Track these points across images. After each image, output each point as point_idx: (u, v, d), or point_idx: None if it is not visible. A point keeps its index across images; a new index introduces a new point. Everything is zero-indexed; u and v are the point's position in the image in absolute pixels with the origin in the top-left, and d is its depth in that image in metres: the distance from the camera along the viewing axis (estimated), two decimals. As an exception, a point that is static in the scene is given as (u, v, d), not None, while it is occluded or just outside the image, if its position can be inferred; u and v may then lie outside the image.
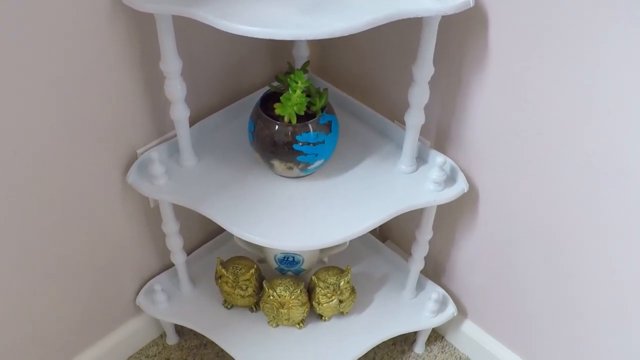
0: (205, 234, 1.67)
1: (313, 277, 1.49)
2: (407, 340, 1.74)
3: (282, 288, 1.46)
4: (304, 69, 1.27)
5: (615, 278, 1.25)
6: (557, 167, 1.22)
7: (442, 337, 1.76)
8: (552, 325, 1.44)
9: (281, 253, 1.50)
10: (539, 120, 1.19)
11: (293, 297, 1.46)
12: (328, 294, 1.48)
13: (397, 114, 1.44)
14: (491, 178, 1.36)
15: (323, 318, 1.56)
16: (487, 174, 1.36)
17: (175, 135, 1.34)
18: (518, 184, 1.31)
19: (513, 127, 1.25)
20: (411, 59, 1.20)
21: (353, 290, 1.52)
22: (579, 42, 1.06)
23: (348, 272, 1.48)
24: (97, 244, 1.43)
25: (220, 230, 1.68)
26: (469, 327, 1.67)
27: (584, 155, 1.16)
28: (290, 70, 1.27)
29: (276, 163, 1.28)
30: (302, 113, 1.23)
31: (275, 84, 1.31)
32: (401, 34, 1.35)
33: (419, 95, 1.23)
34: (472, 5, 1.09)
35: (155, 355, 1.70)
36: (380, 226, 1.74)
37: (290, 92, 1.21)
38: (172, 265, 1.58)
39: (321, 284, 1.47)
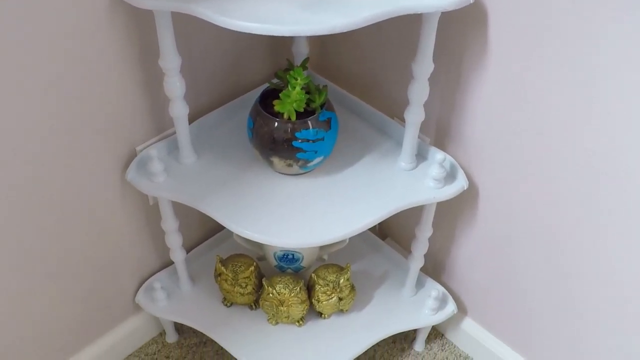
0: (204, 231, 1.67)
1: (313, 275, 1.49)
2: (407, 338, 1.73)
3: (281, 286, 1.46)
4: (303, 65, 1.26)
5: (615, 276, 1.25)
6: (557, 165, 1.22)
7: (442, 334, 1.75)
8: (552, 323, 1.44)
9: (281, 250, 1.50)
10: (539, 118, 1.19)
11: (293, 294, 1.46)
12: (328, 292, 1.47)
13: (396, 111, 1.44)
14: (491, 175, 1.36)
15: (323, 316, 1.55)
16: (487, 171, 1.36)
17: (174, 133, 1.34)
18: (518, 181, 1.31)
19: (513, 124, 1.24)
20: (411, 56, 1.20)
21: (353, 288, 1.52)
22: (579, 40, 1.06)
23: (348, 270, 1.47)
24: (96, 241, 1.43)
25: (220, 227, 1.68)
26: (468, 324, 1.67)
27: (584, 153, 1.16)
28: (290, 67, 1.27)
29: (275, 160, 1.28)
30: (302, 110, 1.23)
31: (275, 80, 1.31)
32: (401, 30, 1.35)
33: (419, 92, 1.23)
34: (471, 2, 1.08)
35: (155, 354, 1.70)
36: (380, 224, 1.75)
37: (290, 88, 1.21)
38: (172, 263, 1.58)
39: (321, 282, 1.47)
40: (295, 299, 1.47)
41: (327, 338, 1.53)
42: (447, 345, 1.73)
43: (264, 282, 1.47)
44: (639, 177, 1.10)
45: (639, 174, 1.10)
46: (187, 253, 1.54)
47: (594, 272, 1.28)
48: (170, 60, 1.18)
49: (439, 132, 1.40)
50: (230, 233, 1.65)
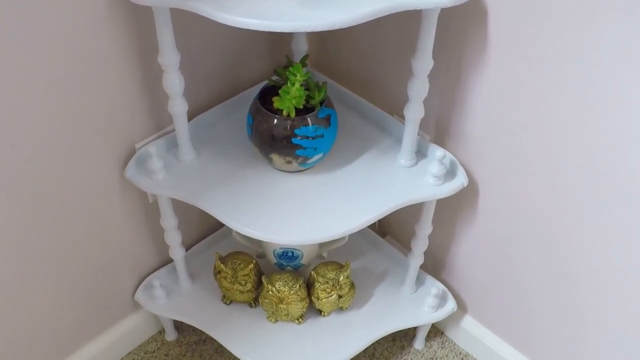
0: (204, 229, 1.67)
1: (312, 272, 1.49)
2: (406, 335, 1.73)
3: (281, 283, 1.46)
4: (302, 62, 1.26)
5: (615, 274, 1.24)
6: (557, 163, 1.22)
7: (442, 332, 1.75)
8: (552, 321, 1.44)
9: (280, 248, 1.49)
10: (539, 116, 1.19)
11: (292, 292, 1.46)
12: (327, 289, 1.47)
13: (396, 108, 1.43)
14: (491, 172, 1.36)
15: (322, 313, 1.55)
16: (487, 168, 1.36)
17: (173, 130, 1.34)
18: (518, 178, 1.30)
19: (513, 121, 1.24)
20: (410, 53, 1.20)
21: (352, 286, 1.52)
22: (579, 37, 1.06)
23: (347, 267, 1.47)
24: (95, 239, 1.43)
25: (219, 225, 1.68)
26: (468, 322, 1.66)
27: (584, 150, 1.16)
28: (289, 64, 1.26)
29: (275, 157, 1.28)
30: (301, 106, 1.23)
31: (275, 77, 1.31)
32: (400, 27, 1.34)
33: (419, 88, 1.22)
34: (471, -2, 1.08)
35: (154, 351, 1.70)
36: (380, 221, 1.75)
37: (289, 85, 1.21)
38: (171, 260, 1.58)
39: (320, 279, 1.47)
40: (295, 296, 1.46)
41: (327, 336, 1.52)
42: (447, 343, 1.73)
43: (263, 280, 1.47)
44: (638, 174, 1.10)
45: (639, 170, 1.10)
46: (186, 251, 1.54)
47: (594, 270, 1.28)
48: (169, 57, 1.17)
49: (439, 129, 1.40)
50: (230, 230, 1.65)
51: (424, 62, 1.18)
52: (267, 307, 1.51)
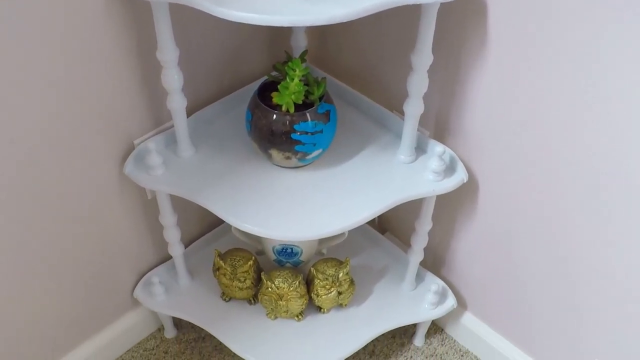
0: (203, 226, 1.67)
1: (312, 269, 1.48)
2: (406, 332, 1.73)
3: (280, 280, 1.46)
4: (302, 57, 1.25)
5: (614, 270, 1.24)
6: (557, 159, 1.21)
7: (442, 329, 1.75)
8: (552, 317, 1.43)
9: (279, 244, 1.49)
10: (539, 112, 1.19)
11: (292, 288, 1.45)
12: (327, 286, 1.47)
13: (395, 104, 1.43)
14: (491, 168, 1.35)
15: (322, 310, 1.55)
16: (487, 164, 1.35)
17: (172, 126, 1.33)
18: (518, 174, 1.30)
19: (513, 117, 1.24)
20: (410, 49, 1.19)
21: (352, 282, 1.51)
22: (579, 33, 1.05)
23: (347, 264, 1.47)
24: (93, 236, 1.42)
25: (218, 222, 1.67)
26: (468, 319, 1.66)
27: (584, 147, 1.15)
28: (288, 60, 1.26)
29: (274, 153, 1.27)
30: (300, 102, 1.22)
31: (274, 73, 1.30)
32: (400, 23, 1.34)
33: (418, 84, 1.22)
34: (471, -8, 1.08)
35: (153, 349, 1.69)
36: (379, 218, 1.74)
37: (288, 80, 1.21)
38: (170, 257, 1.58)
39: (320, 276, 1.46)
40: (294, 293, 1.46)
41: (326, 333, 1.52)
42: (447, 340, 1.73)
43: (262, 277, 1.47)
44: (638, 172, 1.10)
45: (638, 169, 1.10)
46: (185, 247, 1.54)
47: (593, 266, 1.28)
48: (167, 53, 1.17)
49: (439, 125, 1.40)
50: (229, 227, 1.64)
51: (423, 58, 1.18)
52: (267, 304, 1.50)
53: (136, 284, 1.59)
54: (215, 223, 1.68)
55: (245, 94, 1.43)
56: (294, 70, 1.20)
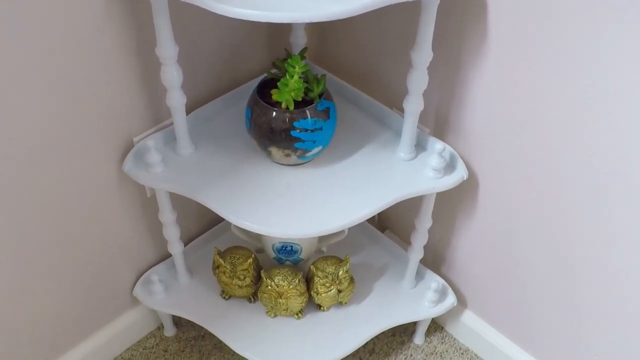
0: (202, 224, 1.66)
1: (311, 267, 1.48)
2: (406, 331, 1.73)
3: (280, 278, 1.45)
4: (301, 54, 1.25)
5: (614, 268, 1.24)
6: (557, 157, 1.21)
7: (442, 327, 1.75)
8: (552, 315, 1.43)
9: (279, 242, 1.49)
10: (539, 109, 1.18)
11: (291, 286, 1.45)
12: (327, 284, 1.46)
13: (395, 101, 1.43)
14: (491, 166, 1.35)
15: (322, 308, 1.55)
16: (486, 161, 1.35)
17: (171, 124, 1.33)
18: (518, 172, 1.30)
19: (513, 114, 1.24)
20: (409, 46, 1.19)
21: (352, 280, 1.51)
22: (579, 31, 1.05)
23: (347, 262, 1.47)
24: (93, 234, 1.42)
25: (218, 220, 1.67)
26: (468, 317, 1.66)
27: (584, 145, 1.15)
28: (288, 57, 1.25)
29: (274, 150, 1.27)
30: (300, 99, 1.22)
31: (273, 70, 1.30)
32: (399, 20, 1.34)
33: (418, 80, 1.22)
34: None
35: (153, 347, 1.69)
36: (379, 216, 1.74)
37: (288, 77, 1.20)
38: (169, 255, 1.57)
39: (320, 274, 1.46)
40: (294, 291, 1.46)
41: (326, 331, 1.52)
42: (447, 338, 1.73)
43: (262, 274, 1.46)
44: (638, 170, 1.10)
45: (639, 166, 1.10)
46: (185, 245, 1.53)
47: (593, 264, 1.27)
48: (167, 49, 1.16)
49: (438, 123, 1.39)
50: (229, 225, 1.64)
51: (423, 54, 1.18)
52: (266, 302, 1.50)
53: (135, 282, 1.59)
54: (214, 221, 1.68)
55: (245, 91, 1.42)
56: (294, 67, 1.19)
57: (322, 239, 1.55)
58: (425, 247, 1.50)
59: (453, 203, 1.49)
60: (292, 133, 1.23)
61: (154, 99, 1.34)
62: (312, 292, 1.50)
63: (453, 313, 1.67)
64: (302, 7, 0.98)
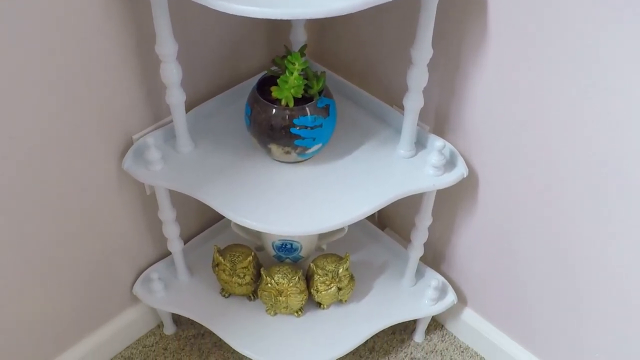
0: (202, 222, 1.66)
1: (311, 265, 1.48)
2: (406, 329, 1.72)
3: (280, 275, 1.45)
4: (301, 51, 1.25)
5: (615, 265, 1.24)
6: (557, 154, 1.21)
7: (442, 325, 1.74)
8: (552, 313, 1.43)
9: (279, 240, 1.48)
10: (539, 105, 1.18)
11: (291, 284, 1.45)
12: (327, 282, 1.46)
13: (395, 99, 1.42)
14: (491, 163, 1.35)
15: (322, 306, 1.54)
16: (487, 159, 1.35)
17: (171, 121, 1.33)
18: (519, 169, 1.30)
19: (513, 111, 1.23)
20: (409, 43, 1.19)
21: (352, 278, 1.51)
22: (579, 28, 1.05)
23: (347, 259, 1.46)
24: (92, 232, 1.42)
25: (218, 218, 1.67)
26: (469, 315, 1.66)
27: (584, 142, 1.15)
28: (288, 54, 1.25)
29: (274, 147, 1.27)
30: (300, 96, 1.22)
31: (273, 68, 1.30)
32: (399, 16, 1.33)
33: (418, 77, 1.21)
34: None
35: (153, 345, 1.69)
36: (379, 213, 1.74)
37: (288, 74, 1.20)
38: (169, 253, 1.57)
39: (320, 271, 1.46)
40: (294, 288, 1.46)
41: (326, 329, 1.52)
42: (447, 336, 1.72)
43: (262, 272, 1.46)
44: (638, 165, 1.10)
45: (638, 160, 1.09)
46: (184, 244, 1.53)
47: (594, 262, 1.27)
48: (166, 47, 1.16)
49: (438, 120, 1.39)
50: (228, 223, 1.64)
51: (423, 51, 1.17)
52: (266, 300, 1.50)
53: (135, 281, 1.59)
54: (214, 219, 1.67)
55: (245, 88, 1.42)
56: (294, 64, 1.19)
57: (322, 236, 1.55)
58: (425, 244, 1.50)
59: (453, 201, 1.49)
60: (292, 130, 1.23)
61: (153, 96, 1.34)
62: (312, 290, 1.50)
63: (453, 311, 1.67)
64: (302, 3, 0.98)
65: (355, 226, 1.67)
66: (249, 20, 1.41)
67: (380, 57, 1.44)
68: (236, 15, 0.97)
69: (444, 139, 1.34)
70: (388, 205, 1.27)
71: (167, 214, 1.42)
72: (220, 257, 1.47)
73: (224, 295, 1.56)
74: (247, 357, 1.52)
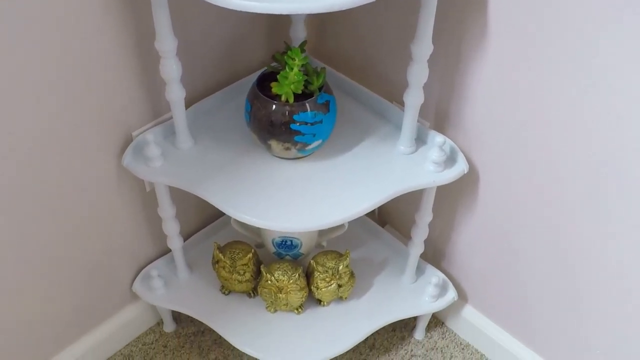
0: (202, 219, 1.66)
1: (311, 262, 1.48)
2: (407, 326, 1.72)
3: (280, 272, 1.45)
4: (301, 48, 1.25)
5: (615, 262, 1.24)
6: (557, 151, 1.21)
7: (442, 323, 1.74)
8: (552, 310, 1.43)
9: (279, 237, 1.48)
10: (539, 102, 1.18)
11: (291, 281, 1.44)
12: (327, 278, 1.46)
13: (395, 95, 1.42)
14: (492, 159, 1.34)
15: (322, 303, 1.54)
16: (487, 155, 1.35)
17: (171, 117, 1.33)
18: (519, 165, 1.29)
19: (513, 108, 1.23)
20: (409, 39, 1.18)
21: (352, 275, 1.50)
22: (580, 24, 1.04)
23: (347, 256, 1.46)
24: (92, 230, 1.41)
25: (218, 215, 1.67)
26: (469, 312, 1.65)
27: (584, 138, 1.15)
28: (288, 50, 1.25)
29: (273, 144, 1.26)
30: (300, 91, 1.21)
31: (273, 64, 1.30)
32: (399, 12, 1.33)
33: (418, 73, 1.21)
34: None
35: (152, 343, 1.68)
36: (379, 210, 1.74)
37: (288, 70, 1.20)
38: (169, 251, 1.57)
39: (320, 268, 1.46)
40: (294, 285, 1.45)
41: (326, 326, 1.51)
42: (448, 333, 1.72)
43: (262, 269, 1.46)
44: (638, 162, 1.09)
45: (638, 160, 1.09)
46: (184, 241, 1.53)
47: (594, 259, 1.27)
48: (166, 42, 1.16)
49: (439, 117, 1.39)
50: (228, 220, 1.64)
51: (423, 47, 1.17)
52: (266, 297, 1.49)
53: (135, 278, 1.58)
54: (214, 216, 1.67)
55: (245, 85, 1.42)
56: (294, 60, 1.19)
57: (322, 233, 1.55)
58: (425, 241, 1.50)
59: (453, 197, 1.48)
60: (292, 126, 1.22)
61: (153, 92, 1.34)
62: (312, 287, 1.50)
63: (453, 308, 1.67)
64: (302, -2, 0.98)
65: (356, 223, 1.66)
66: (248, 16, 1.40)
67: (380, 53, 1.44)
68: (236, 11, 0.97)
69: (444, 135, 1.34)
70: (388, 202, 1.27)
71: (166, 210, 1.41)
72: (220, 254, 1.47)
73: (224, 293, 1.55)
74: (247, 355, 1.52)
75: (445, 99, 1.35)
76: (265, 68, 1.29)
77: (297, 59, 1.18)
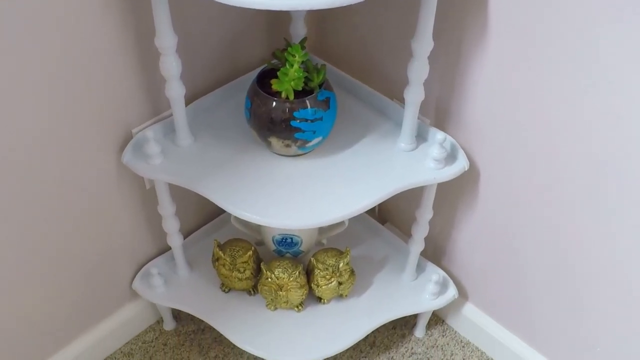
0: (202, 216, 1.65)
1: (312, 259, 1.47)
2: (407, 324, 1.72)
3: (280, 270, 1.45)
4: (301, 44, 1.24)
5: (615, 260, 1.23)
6: (558, 148, 1.20)
7: (443, 320, 1.74)
8: (553, 307, 1.43)
9: (279, 234, 1.48)
10: (540, 99, 1.18)
11: (291, 279, 1.44)
12: (327, 276, 1.46)
13: (395, 92, 1.42)
14: (492, 156, 1.34)
15: (322, 301, 1.54)
16: (488, 152, 1.34)
17: (171, 115, 1.32)
18: (519, 162, 1.29)
19: (513, 104, 1.23)
20: (410, 36, 1.18)
21: (352, 272, 1.50)
22: (580, 21, 1.04)
23: (347, 254, 1.46)
24: (91, 227, 1.41)
25: (218, 212, 1.66)
26: (469, 310, 1.65)
27: (585, 135, 1.15)
28: (288, 46, 1.25)
29: (273, 141, 1.26)
30: (300, 88, 1.21)
31: (273, 61, 1.29)
32: (400, 9, 1.33)
33: (419, 70, 1.21)
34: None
35: (152, 341, 1.68)
36: (379, 208, 1.73)
37: (288, 66, 1.19)
38: (169, 248, 1.57)
39: (320, 266, 1.45)
40: (294, 283, 1.45)
41: (327, 323, 1.51)
42: (448, 331, 1.72)
43: (262, 267, 1.46)
44: (638, 160, 1.09)
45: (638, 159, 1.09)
46: (184, 238, 1.53)
47: (594, 256, 1.27)
48: (165, 39, 1.15)
49: (439, 113, 1.39)
50: (228, 218, 1.63)
51: (424, 44, 1.17)
52: (266, 295, 1.49)
53: (135, 276, 1.58)
54: (214, 213, 1.67)
55: (245, 82, 1.42)
56: (294, 56, 1.18)
57: (322, 230, 1.54)
58: (425, 239, 1.50)
59: (454, 194, 1.48)
60: (292, 123, 1.22)
61: (152, 90, 1.33)
62: (312, 285, 1.49)
63: (454, 306, 1.66)
64: (302, -6, 0.98)
65: (356, 221, 1.66)
66: (249, 12, 1.40)
67: (380, 50, 1.43)
68: (236, 8, 0.97)
69: (444, 132, 1.34)
70: (388, 199, 1.27)
71: (166, 208, 1.41)
72: (220, 252, 1.46)
73: (224, 290, 1.55)
74: (247, 352, 1.52)
75: (446, 96, 1.34)
76: (266, 65, 1.29)
77: (297, 56, 1.18)
